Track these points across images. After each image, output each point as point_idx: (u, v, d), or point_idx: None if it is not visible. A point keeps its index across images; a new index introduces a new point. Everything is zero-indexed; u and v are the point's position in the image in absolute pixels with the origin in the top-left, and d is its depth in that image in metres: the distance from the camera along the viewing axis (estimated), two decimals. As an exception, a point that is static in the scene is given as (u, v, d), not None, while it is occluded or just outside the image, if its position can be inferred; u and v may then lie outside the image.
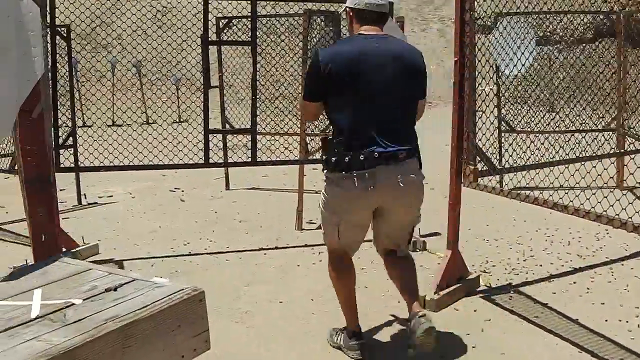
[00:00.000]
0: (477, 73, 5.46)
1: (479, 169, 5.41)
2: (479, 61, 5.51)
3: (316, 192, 8.90)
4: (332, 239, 4.36)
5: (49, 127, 4.17)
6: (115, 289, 2.47)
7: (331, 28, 7.76)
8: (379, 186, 4.02)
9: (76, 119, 7.72)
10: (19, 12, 2.84)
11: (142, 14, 7.15)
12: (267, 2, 6.87)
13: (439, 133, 7.29)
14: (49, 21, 5.97)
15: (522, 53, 7.69)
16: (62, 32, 7.26)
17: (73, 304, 2.36)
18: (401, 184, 4.05)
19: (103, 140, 7.10)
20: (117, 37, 9.34)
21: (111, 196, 9.24)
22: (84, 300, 2.40)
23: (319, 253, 6.50)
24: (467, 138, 5.27)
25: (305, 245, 6.72)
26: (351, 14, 4.19)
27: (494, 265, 6.13)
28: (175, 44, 8.39)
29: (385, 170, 4.01)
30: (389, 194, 4.10)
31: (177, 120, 15.44)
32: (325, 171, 4.22)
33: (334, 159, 4.07)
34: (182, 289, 2.46)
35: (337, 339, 4.51)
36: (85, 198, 8.95)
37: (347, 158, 3.99)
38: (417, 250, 6.55)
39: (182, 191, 9.40)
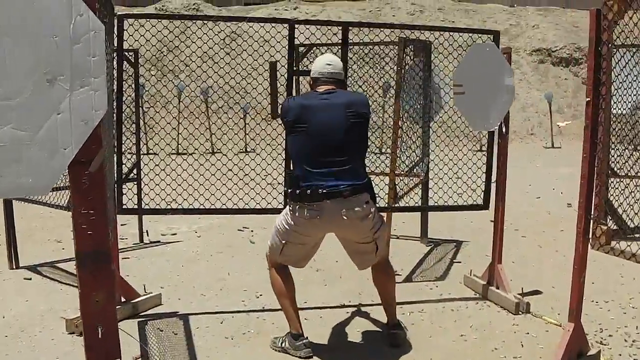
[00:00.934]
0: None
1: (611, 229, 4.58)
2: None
3: (403, 238, 8.22)
4: (274, 256, 5.02)
5: (112, 178, 3.53)
6: None
7: (421, 59, 7.04)
8: (325, 218, 4.65)
9: (141, 148, 7.15)
10: (75, 30, 2.14)
11: (209, 38, 6.56)
12: (360, 29, 6.12)
13: (519, 169, 6.52)
14: (116, 44, 5.36)
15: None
16: (130, 57, 6.68)
17: None
18: (344, 217, 4.65)
19: (166, 174, 6.41)
20: (184, 62, 8.78)
21: (175, 234, 8.60)
22: None
23: (409, 313, 5.75)
24: (598, 192, 4.45)
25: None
26: (311, 82, 5.01)
27: (610, 335, 5.29)
28: (245, 71, 7.73)
29: (330, 205, 4.62)
30: (335, 225, 4.74)
31: (244, 150, 14.88)
32: (288, 199, 4.91)
33: (289, 190, 4.81)
34: None
35: (281, 343, 4.99)
36: (148, 235, 8.33)
37: (297, 191, 4.66)
38: (520, 312, 5.73)
39: (252, 231, 8.67)
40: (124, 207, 5.79)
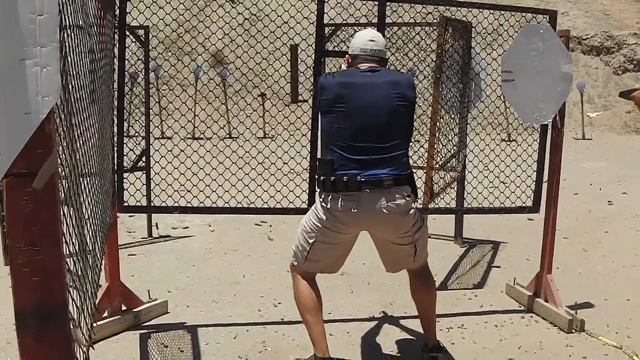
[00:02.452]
0: None
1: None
2: None
3: (435, 237, 7.46)
4: (299, 262, 4.34)
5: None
6: None
7: (461, 42, 6.32)
8: (362, 210, 4.05)
9: (155, 131, 6.45)
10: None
11: (231, 17, 5.92)
12: (400, 5, 5.38)
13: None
14: (117, 19, 4.68)
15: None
16: (139, 34, 5.97)
17: None
18: (384, 210, 4.06)
19: (179, 162, 5.71)
20: (203, 44, 8.11)
21: (187, 227, 7.93)
22: None
23: (448, 329, 5.08)
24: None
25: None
26: (349, 60, 4.37)
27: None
28: (263, 53, 6.99)
29: (369, 196, 4.04)
30: (372, 219, 4.12)
31: (263, 136, 14.21)
32: (318, 191, 4.28)
33: (322, 178, 4.14)
34: None
35: None
36: (157, 229, 7.68)
37: (332, 178, 4.07)
38: (574, 331, 5.05)
39: (270, 225, 7.99)
40: (126, 204, 5.09)
